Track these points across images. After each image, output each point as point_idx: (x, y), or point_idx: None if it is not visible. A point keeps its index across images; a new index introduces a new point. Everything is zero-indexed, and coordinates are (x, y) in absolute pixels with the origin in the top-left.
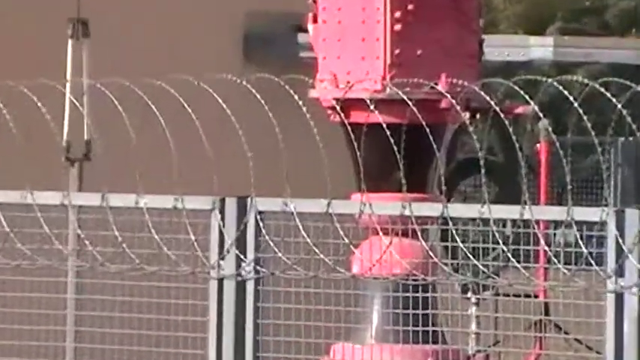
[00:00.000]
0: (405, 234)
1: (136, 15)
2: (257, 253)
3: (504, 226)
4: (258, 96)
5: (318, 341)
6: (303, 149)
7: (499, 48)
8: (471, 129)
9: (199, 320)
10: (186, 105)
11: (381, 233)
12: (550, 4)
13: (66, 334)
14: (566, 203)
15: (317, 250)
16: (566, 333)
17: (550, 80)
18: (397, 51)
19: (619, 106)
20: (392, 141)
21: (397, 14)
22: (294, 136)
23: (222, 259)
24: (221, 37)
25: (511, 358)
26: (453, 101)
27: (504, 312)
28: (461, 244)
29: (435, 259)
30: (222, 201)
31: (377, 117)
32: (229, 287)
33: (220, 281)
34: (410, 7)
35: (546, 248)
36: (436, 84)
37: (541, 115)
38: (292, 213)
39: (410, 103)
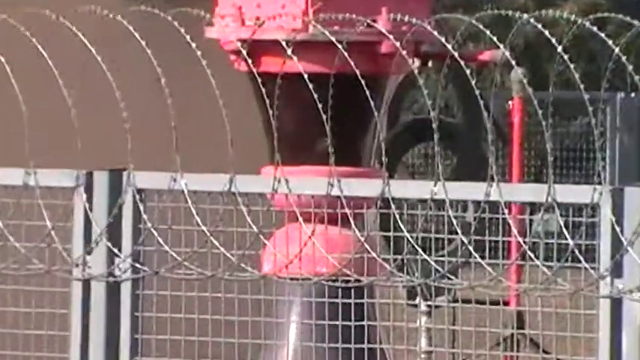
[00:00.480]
0: (332, 220)
1: None
2: (136, 246)
3: (465, 210)
4: (138, 36)
5: None
6: (199, 108)
7: None
8: (421, 81)
9: (57, 335)
10: (42, 49)
11: (301, 219)
12: None
13: None
14: (547, 180)
15: (216, 242)
16: (545, 352)
17: (526, 17)
18: None
19: (616, 50)
20: (316, 97)
21: None
22: (186, 91)
23: (89, 253)
24: None
25: None
26: (397, 44)
27: (464, 324)
28: (407, 235)
29: (373, 254)
30: (89, 175)
31: (296, 65)
32: (98, 290)
33: (86, 283)
34: None
35: (520, 239)
36: (374, 21)
37: (514, 62)
38: (183, 192)
39: (339, 46)
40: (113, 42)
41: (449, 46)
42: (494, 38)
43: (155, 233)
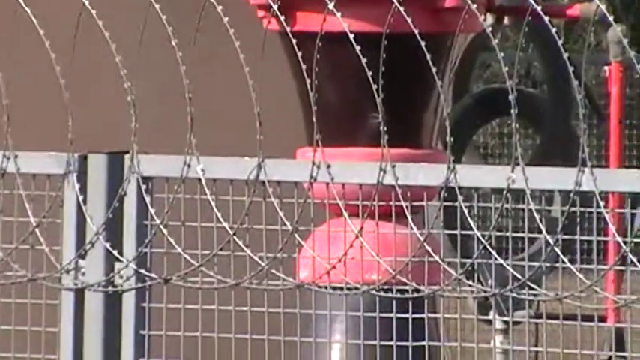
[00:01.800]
0: (385, 216)
1: None
2: (141, 248)
3: (550, 203)
4: None
5: None
6: (220, 77)
7: None
8: (495, 42)
9: (44, 358)
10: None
11: (346, 214)
12: None
13: None
14: None
15: (240, 243)
16: None
17: None
18: None
19: None
20: (364, 63)
21: None
22: (204, 56)
23: (83, 256)
24: None
25: None
26: None
27: (550, 345)
28: (478, 233)
29: (436, 257)
30: (83, 160)
31: (339, 23)
32: (94, 302)
33: (79, 293)
34: None
35: (619, 239)
36: None
37: (611, 19)
38: (199, 180)
39: None
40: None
41: None
42: None
43: (165, 232)
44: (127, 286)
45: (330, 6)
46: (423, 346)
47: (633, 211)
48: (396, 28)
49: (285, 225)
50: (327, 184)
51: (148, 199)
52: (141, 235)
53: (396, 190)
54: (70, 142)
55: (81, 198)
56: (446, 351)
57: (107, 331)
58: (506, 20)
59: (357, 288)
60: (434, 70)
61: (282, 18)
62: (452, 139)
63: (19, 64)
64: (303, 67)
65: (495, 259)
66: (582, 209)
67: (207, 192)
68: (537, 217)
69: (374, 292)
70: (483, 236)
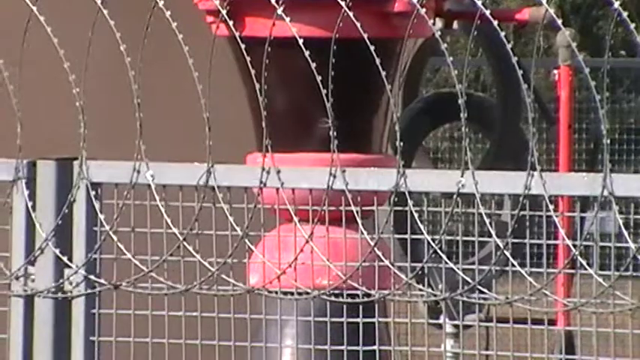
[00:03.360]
0: (335, 221)
1: None
2: (91, 254)
3: (500, 207)
4: None
5: None
6: (170, 82)
7: None
8: (444, 47)
9: None
10: None
11: (296, 220)
12: None
13: None
14: (602, 169)
15: (190, 249)
16: None
17: None
18: None
19: None
20: (313, 68)
21: None
22: (153, 62)
23: (33, 263)
24: None
25: None
26: (414, 0)
27: (500, 349)
28: (428, 238)
29: (386, 262)
30: (32, 166)
31: (288, 28)
32: (44, 309)
33: (29, 299)
34: None
35: (569, 243)
36: None
37: (560, 22)
38: (149, 186)
39: (342, 3)
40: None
41: (479, 3)
42: None
43: (114, 238)
44: (76, 293)
45: (279, 11)
46: (374, 350)
47: (583, 215)
48: (345, 33)
49: (235, 230)
50: (277, 189)
51: (97, 205)
52: (90, 241)
53: (346, 195)
54: (19, 148)
55: (30, 204)
56: (396, 355)
57: (57, 338)
58: (455, 25)
59: (307, 293)
60: (383, 74)
61: (230, 23)
62: (402, 144)
63: None
64: (252, 72)
65: (446, 263)
66: (532, 213)
67: (157, 198)
68: (487, 221)
69: (324, 297)
70: (434, 240)
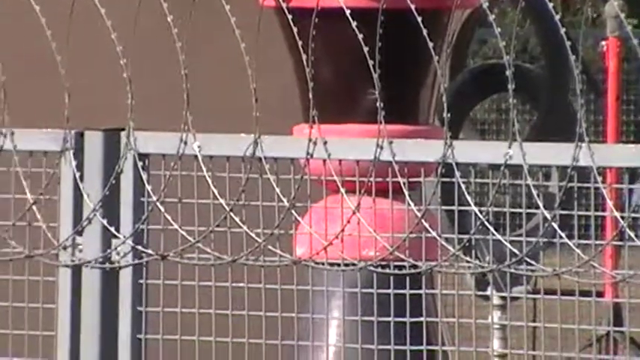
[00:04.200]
0: (382, 192)
1: None
2: (138, 225)
3: (548, 179)
4: None
5: None
6: (216, 54)
7: None
8: (492, 18)
9: (41, 335)
10: None
11: (342, 191)
12: None
13: None
14: None
15: (237, 220)
16: None
17: None
18: None
19: None
20: (361, 39)
21: None
22: (200, 33)
23: (80, 233)
24: None
25: None
26: None
27: (547, 320)
28: (475, 209)
29: (433, 233)
30: (80, 137)
31: None
32: (91, 279)
33: (76, 270)
34: None
35: (618, 215)
36: None
37: None
38: (196, 157)
39: None
40: None
41: None
42: None
43: (162, 208)
44: (123, 263)
45: None
46: (421, 322)
47: (631, 187)
48: (392, 4)
49: (282, 201)
50: (324, 160)
51: (144, 176)
52: (138, 211)
53: (393, 166)
54: (67, 119)
55: (78, 175)
56: (443, 327)
57: (104, 308)
58: None
59: (354, 264)
60: (431, 46)
61: None
62: (449, 115)
63: (16, 41)
64: (299, 43)
65: (493, 235)
66: (580, 184)
67: (204, 169)
68: (535, 192)
69: (371, 268)
70: (481, 212)
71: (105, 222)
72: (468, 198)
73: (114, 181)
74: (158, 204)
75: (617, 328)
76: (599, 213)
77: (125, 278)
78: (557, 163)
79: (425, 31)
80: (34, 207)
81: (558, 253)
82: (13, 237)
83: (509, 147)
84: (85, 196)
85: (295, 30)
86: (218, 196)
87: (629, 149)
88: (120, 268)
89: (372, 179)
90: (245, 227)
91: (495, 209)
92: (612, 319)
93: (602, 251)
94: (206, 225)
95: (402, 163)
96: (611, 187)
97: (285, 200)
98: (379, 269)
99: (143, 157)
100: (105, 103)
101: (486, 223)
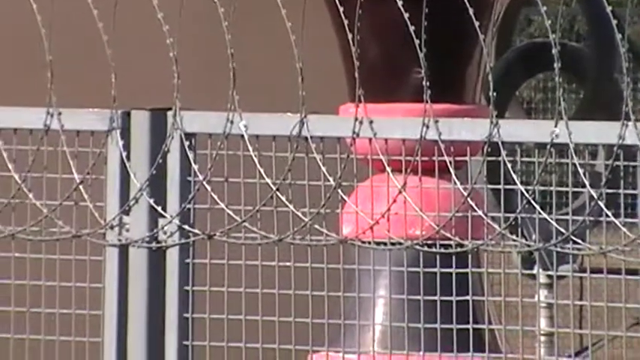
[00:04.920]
0: (428, 171)
1: None
2: (185, 203)
3: (594, 157)
4: None
5: (287, 347)
6: (261, 33)
7: None
8: None
9: (88, 314)
10: None
11: (389, 170)
12: None
13: None
14: None
15: (283, 199)
16: None
17: None
18: None
19: None
20: (406, 17)
21: None
22: (245, 11)
23: (127, 212)
24: None
25: None
26: None
27: (594, 299)
28: (521, 188)
29: (480, 212)
30: (126, 116)
31: None
32: (138, 259)
33: (124, 249)
34: None
35: None
36: None
37: None
38: (242, 136)
39: None
40: None
41: None
42: None
43: (208, 188)
44: (170, 242)
45: None
46: (467, 300)
47: None
48: None
49: (328, 180)
50: (370, 139)
51: (191, 156)
52: (184, 191)
53: (439, 145)
54: (113, 98)
55: (124, 154)
56: (490, 305)
57: (151, 287)
58: None
59: (400, 243)
60: (476, 24)
61: None
62: (495, 94)
63: (63, 21)
64: (345, 22)
65: (539, 213)
66: (626, 163)
67: (250, 148)
68: (581, 171)
69: (417, 247)
70: (527, 191)
71: (152, 201)
72: (514, 177)
73: (160, 161)
74: (205, 183)
75: None
76: None
77: (172, 257)
78: (604, 141)
79: (471, 10)
80: (80, 187)
81: (604, 232)
82: (61, 217)
83: (556, 126)
84: (131, 175)
85: (341, 9)
86: (264, 176)
87: None
88: (167, 247)
89: (418, 158)
90: (291, 206)
91: (542, 188)
92: None
93: None
94: (252, 204)
95: (448, 142)
96: None
97: (331, 179)
98: (425, 248)
99: (189, 136)
100: (152, 83)
101: (533, 201)
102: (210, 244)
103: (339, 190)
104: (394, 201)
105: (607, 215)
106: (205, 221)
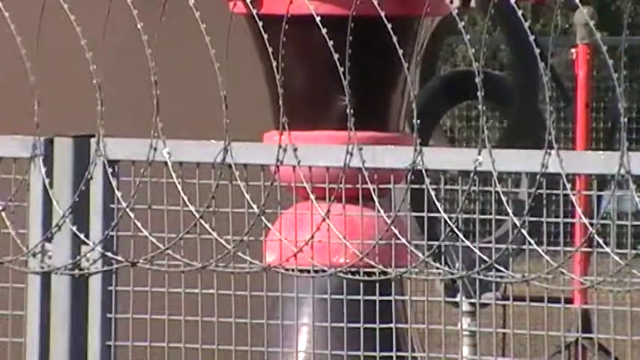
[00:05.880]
0: (352, 199)
1: None
2: (108, 231)
3: (517, 185)
4: None
5: None
6: (186, 60)
7: None
8: (461, 25)
9: (10, 342)
10: None
11: (312, 197)
12: None
13: None
14: (619, 147)
15: (207, 227)
16: None
17: None
18: None
19: None
20: (331, 45)
21: None
22: (170, 39)
23: (50, 240)
24: None
25: None
26: None
27: (517, 327)
28: (445, 216)
29: (403, 240)
30: (49, 143)
31: (306, 5)
32: (61, 286)
33: (46, 276)
34: None
35: (586, 221)
36: None
37: (577, 1)
38: (165, 163)
39: None
40: None
41: None
42: None
43: (131, 215)
44: (93, 270)
45: None
46: (391, 328)
47: (600, 193)
48: (362, 10)
49: (252, 208)
50: (294, 166)
51: (114, 183)
52: (107, 218)
53: (363, 172)
54: (36, 125)
55: (47, 181)
56: (413, 333)
57: (74, 315)
58: (473, 3)
59: (324, 271)
60: (401, 52)
61: (248, 1)
62: (419, 122)
63: None
64: (270, 50)
65: (462, 241)
66: (549, 191)
67: (174, 175)
68: (504, 199)
69: (341, 274)
70: (450, 219)
71: (74, 228)
72: (438, 205)
73: (83, 188)
74: (128, 210)
75: (586, 335)
76: (569, 220)
77: (94, 285)
78: (527, 169)
79: (395, 38)
80: (2, 213)
81: (527, 260)
82: None
83: (479, 153)
84: (54, 202)
85: (265, 37)
86: (188, 203)
87: (598, 156)
88: (89, 274)
89: (342, 186)
90: (215, 234)
91: (465, 216)
92: (581, 326)
93: (572, 258)
94: (176, 232)
95: (371, 170)
96: (580, 193)
97: (255, 207)
98: (349, 275)
99: (113, 163)
100: (74, 110)
101: (456, 229)
102: (133, 271)
103: (263, 218)
104: (318, 228)
105: (530, 243)
106: (129, 248)
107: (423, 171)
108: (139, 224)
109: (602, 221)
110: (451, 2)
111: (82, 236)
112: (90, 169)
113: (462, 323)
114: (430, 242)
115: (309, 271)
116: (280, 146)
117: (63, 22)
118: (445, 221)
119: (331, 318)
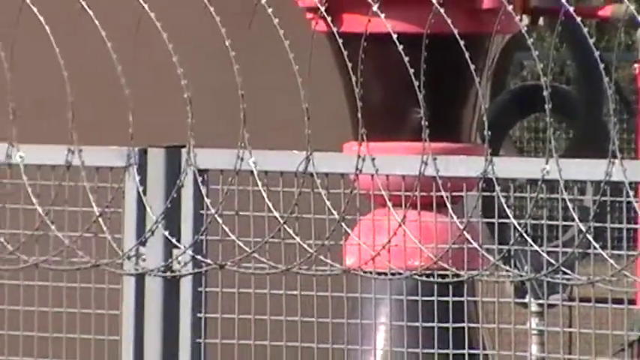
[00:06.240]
0: (426, 205)
1: None
2: (198, 235)
3: (583, 193)
4: None
5: None
6: (270, 75)
7: None
8: (530, 42)
9: (106, 340)
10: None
11: (389, 204)
12: None
13: None
14: None
15: (290, 231)
16: None
17: None
18: None
19: None
20: (407, 61)
21: None
22: (255, 56)
23: (143, 243)
24: None
25: None
26: None
27: (582, 327)
28: (514, 222)
29: (475, 244)
30: (143, 153)
31: (383, 24)
32: (154, 287)
33: (140, 278)
34: None
35: None
36: None
37: None
38: (252, 172)
39: (434, 1)
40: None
41: (563, 0)
42: None
43: (220, 220)
44: (184, 272)
45: (375, 8)
46: (463, 327)
47: None
48: (436, 28)
49: (332, 214)
50: (372, 175)
51: (203, 190)
52: (197, 223)
53: (437, 181)
54: (131, 136)
55: (141, 189)
56: (484, 333)
57: (166, 314)
58: (541, 21)
59: (400, 273)
60: (472, 68)
61: (329, 19)
62: (489, 133)
63: (84, 65)
64: (349, 65)
65: (531, 245)
66: (613, 199)
67: (259, 183)
68: (570, 206)
69: (416, 277)
70: (519, 224)
71: (166, 233)
72: (508, 211)
73: (175, 195)
74: (216, 216)
75: None
76: (632, 225)
77: (185, 286)
78: (592, 178)
79: (467, 54)
80: (100, 219)
81: (592, 263)
82: (81, 247)
83: (547, 163)
84: (148, 209)
85: (345, 53)
86: (272, 209)
87: None
88: (180, 276)
89: (417, 193)
90: (298, 238)
91: (533, 222)
92: None
93: (634, 261)
94: (261, 236)
95: (445, 178)
96: None
97: (335, 213)
98: (424, 278)
99: (202, 172)
100: (167, 122)
101: (525, 234)
102: (221, 273)
103: (343, 224)
104: (394, 234)
105: (594, 247)
106: (217, 252)
107: (494, 179)
108: (226, 229)
109: None
110: (521, 20)
111: (173, 240)
112: (181, 178)
113: (530, 323)
114: (500, 246)
115: (386, 274)
116: (359, 156)
117: (156, 40)
118: (514, 227)
119: (407, 318)
